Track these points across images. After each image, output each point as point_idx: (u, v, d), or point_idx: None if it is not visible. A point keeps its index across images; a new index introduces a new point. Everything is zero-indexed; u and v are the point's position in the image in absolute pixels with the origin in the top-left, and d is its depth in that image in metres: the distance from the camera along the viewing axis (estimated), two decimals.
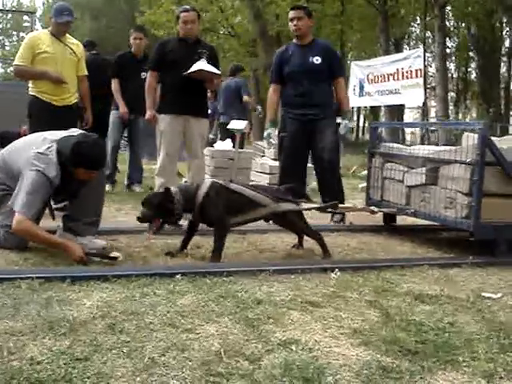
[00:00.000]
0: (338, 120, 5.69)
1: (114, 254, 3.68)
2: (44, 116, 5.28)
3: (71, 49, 5.59)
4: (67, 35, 5.66)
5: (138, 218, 3.80)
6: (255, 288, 3.13)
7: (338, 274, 3.49)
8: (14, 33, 53.93)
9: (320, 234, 4.21)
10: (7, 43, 55.37)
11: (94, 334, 2.38)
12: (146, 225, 4.11)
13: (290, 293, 3.09)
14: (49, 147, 3.72)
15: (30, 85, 5.54)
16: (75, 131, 3.99)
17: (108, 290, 2.99)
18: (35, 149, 3.71)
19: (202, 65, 5.42)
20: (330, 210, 4.84)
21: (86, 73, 5.88)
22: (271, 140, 6.15)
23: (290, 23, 5.81)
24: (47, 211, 3.96)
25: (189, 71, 5.38)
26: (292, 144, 5.81)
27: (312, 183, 7.68)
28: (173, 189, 3.77)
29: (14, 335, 2.32)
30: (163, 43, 5.91)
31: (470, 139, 4.44)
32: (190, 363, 2.14)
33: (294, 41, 5.87)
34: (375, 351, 2.35)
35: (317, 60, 5.63)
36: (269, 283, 3.26)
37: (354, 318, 2.77)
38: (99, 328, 2.45)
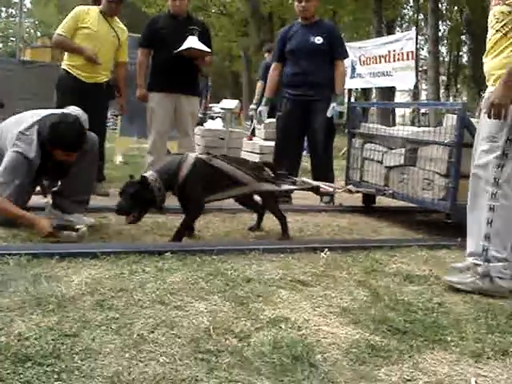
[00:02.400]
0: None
1: (79, 226, 3.61)
2: (70, 91, 5.20)
3: (115, 32, 5.50)
4: (116, 18, 5.59)
5: (116, 211, 3.63)
6: (245, 267, 3.13)
7: (328, 253, 3.48)
8: (3, 9, 53.26)
9: (284, 215, 4.15)
10: None
11: (83, 310, 2.37)
12: None
13: (279, 272, 3.09)
14: (30, 126, 3.69)
15: (65, 57, 5.47)
16: (62, 110, 3.94)
17: (97, 266, 2.98)
18: (20, 128, 3.68)
19: (192, 42, 5.37)
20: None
21: (127, 59, 5.81)
22: (261, 118, 6.13)
23: (296, 3, 5.73)
24: (38, 188, 3.93)
25: (179, 49, 5.32)
26: (287, 124, 5.81)
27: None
28: (150, 176, 3.60)
29: (1, 311, 2.30)
30: (154, 20, 5.85)
31: (450, 120, 4.42)
32: (179, 340, 2.14)
33: (299, 20, 5.81)
34: (364, 330, 2.36)
35: (318, 40, 5.58)
36: (258, 262, 3.26)
37: (343, 297, 2.77)
38: (88, 304, 2.43)
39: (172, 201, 3.83)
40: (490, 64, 3.08)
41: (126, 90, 5.94)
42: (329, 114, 5.58)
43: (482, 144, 3.07)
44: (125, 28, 5.72)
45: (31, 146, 3.64)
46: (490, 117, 2.98)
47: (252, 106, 9.91)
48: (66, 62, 5.43)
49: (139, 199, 3.56)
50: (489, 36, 3.09)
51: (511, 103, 2.92)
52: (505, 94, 2.89)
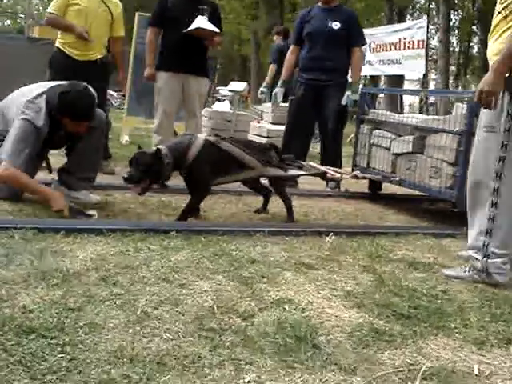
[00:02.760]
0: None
1: (91, 212, 3.61)
2: (63, 68, 5.12)
3: (107, 6, 5.38)
4: None
5: (125, 179, 3.56)
6: (250, 248, 3.13)
7: (333, 238, 3.48)
8: None
9: (291, 199, 4.14)
10: None
11: (87, 285, 2.37)
12: None
13: (284, 254, 3.09)
14: (39, 95, 3.67)
15: (58, 35, 5.42)
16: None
17: (102, 243, 2.98)
18: (28, 97, 3.66)
19: (201, 22, 5.32)
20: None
21: (122, 34, 5.70)
22: (277, 100, 6.10)
23: None
24: (44, 165, 3.93)
25: (188, 29, 5.29)
26: (298, 108, 5.82)
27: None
28: (163, 149, 3.59)
29: (6, 283, 2.31)
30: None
31: (460, 109, 4.39)
32: (183, 317, 2.14)
33: (319, 3, 5.78)
34: (368, 314, 2.36)
35: (336, 25, 5.55)
36: (263, 244, 3.25)
37: (348, 281, 2.77)
38: (92, 280, 2.44)
39: (178, 181, 3.82)
40: (491, 48, 2.98)
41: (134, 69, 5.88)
42: (343, 102, 5.56)
43: (481, 134, 3.01)
44: (118, 2, 5.59)
45: (39, 114, 3.61)
46: (481, 105, 2.91)
47: (262, 89, 9.85)
48: (59, 40, 5.36)
49: (150, 170, 3.52)
50: (493, 18, 3.03)
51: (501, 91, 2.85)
52: (495, 82, 2.80)
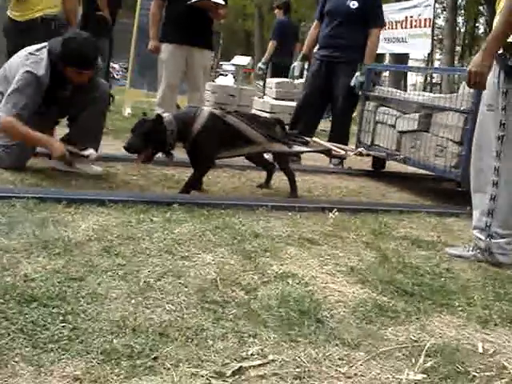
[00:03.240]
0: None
1: (86, 152, 3.61)
2: (11, 33, 4.81)
3: None
4: None
5: (125, 148, 3.52)
6: (253, 222, 3.10)
7: (336, 214, 3.45)
8: None
9: (294, 173, 4.11)
10: None
11: (89, 255, 2.35)
12: None
13: (287, 229, 3.06)
14: (40, 48, 3.61)
15: None
16: None
17: (104, 214, 2.95)
18: (28, 50, 3.61)
19: None
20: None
21: None
22: (294, 73, 6.06)
23: None
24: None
25: (193, 0, 5.22)
26: (311, 84, 5.83)
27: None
28: (167, 117, 3.54)
29: (7, 252, 2.29)
30: None
31: (467, 88, 4.34)
32: (186, 289, 2.12)
33: None
34: (371, 290, 2.34)
35: (353, 4, 5.49)
36: (266, 218, 3.23)
37: (351, 257, 2.75)
38: (94, 250, 2.42)
39: (181, 154, 3.79)
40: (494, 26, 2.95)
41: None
42: (351, 83, 5.51)
43: (483, 112, 2.98)
44: None
45: (40, 64, 3.54)
46: (469, 86, 2.89)
47: (260, 65, 9.80)
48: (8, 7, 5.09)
49: (151, 138, 3.47)
50: None
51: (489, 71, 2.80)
52: (483, 63, 2.75)
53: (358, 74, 5.49)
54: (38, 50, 3.61)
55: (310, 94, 5.79)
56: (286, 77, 7.42)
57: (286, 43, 9.51)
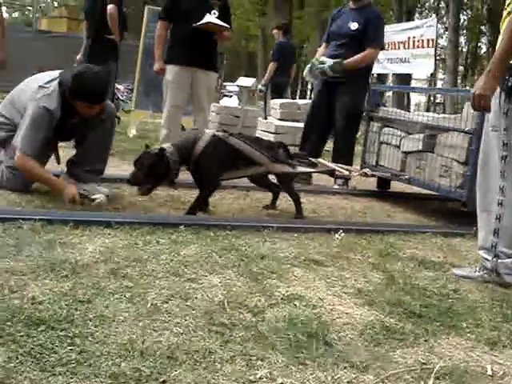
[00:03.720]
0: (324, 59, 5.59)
1: (95, 196, 3.65)
2: None
3: None
4: None
5: (129, 181, 3.58)
6: (259, 243, 3.11)
7: (342, 235, 3.45)
8: None
9: (299, 195, 4.12)
10: None
11: (97, 277, 2.35)
12: None
13: (293, 250, 3.06)
14: (51, 80, 3.64)
15: None
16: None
17: (111, 236, 2.96)
18: (39, 82, 3.64)
19: (211, 17, 5.32)
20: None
21: None
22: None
23: None
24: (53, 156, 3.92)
25: (198, 23, 5.27)
26: (315, 103, 5.89)
27: None
28: (168, 148, 3.56)
29: (15, 274, 2.29)
30: None
31: (471, 108, 4.36)
32: (193, 312, 2.12)
33: (350, 3, 5.79)
34: (379, 312, 2.34)
35: (353, 26, 5.54)
36: (272, 240, 3.23)
37: (358, 278, 2.75)
38: (101, 272, 2.42)
39: (186, 175, 3.81)
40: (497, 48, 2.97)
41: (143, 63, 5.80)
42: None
43: (488, 133, 2.99)
44: None
45: (52, 98, 3.58)
46: (474, 108, 2.91)
47: (260, 87, 9.88)
48: None
49: (154, 171, 3.51)
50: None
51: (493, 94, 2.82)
52: (485, 85, 2.78)
53: (330, 61, 5.50)
54: (48, 82, 3.65)
55: (314, 114, 5.83)
56: (283, 97, 7.48)
57: (285, 64, 9.63)
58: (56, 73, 3.75)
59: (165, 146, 3.60)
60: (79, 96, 3.57)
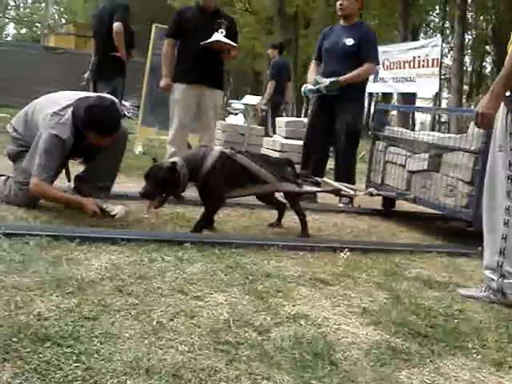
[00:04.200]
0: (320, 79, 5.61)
1: (115, 211, 3.74)
2: None
3: None
4: None
5: (141, 194, 3.55)
6: (264, 261, 3.11)
7: (347, 254, 3.46)
8: None
9: (305, 213, 4.12)
10: (21, 4, 55.02)
11: (102, 294, 2.36)
12: None
13: (298, 269, 3.06)
14: (65, 107, 3.69)
15: None
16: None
17: (116, 252, 2.97)
18: (54, 108, 3.68)
19: (219, 36, 5.37)
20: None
21: None
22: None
23: (337, 2, 5.74)
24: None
25: (206, 42, 5.32)
26: (313, 123, 5.86)
27: None
28: (179, 161, 3.58)
29: (21, 290, 2.30)
30: (182, 11, 5.84)
31: (477, 128, 4.36)
32: (199, 330, 2.12)
33: (341, 21, 5.83)
34: (384, 332, 2.33)
35: (349, 42, 5.55)
36: (278, 258, 3.23)
37: (363, 298, 2.74)
38: (107, 289, 2.42)
39: (192, 191, 3.82)
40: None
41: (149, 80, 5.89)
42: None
43: (494, 153, 3.00)
44: None
45: (65, 127, 3.63)
46: (477, 126, 2.94)
47: (262, 107, 9.93)
48: None
49: (165, 184, 3.51)
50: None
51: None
52: (489, 104, 2.81)
53: (327, 81, 5.52)
54: (62, 109, 3.69)
55: (313, 133, 5.82)
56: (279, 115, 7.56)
57: (282, 82, 9.72)
58: (71, 97, 3.79)
59: (175, 159, 3.62)
60: (92, 128, 3.63)
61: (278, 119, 9.31)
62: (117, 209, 3.78)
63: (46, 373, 1.69)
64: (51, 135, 3.59)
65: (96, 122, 3.61)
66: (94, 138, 3.68)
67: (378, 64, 6.05)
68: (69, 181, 3.99)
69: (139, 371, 1.76)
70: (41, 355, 1.78)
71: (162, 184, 3.50)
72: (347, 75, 5.52)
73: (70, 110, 3.68)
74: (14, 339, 1.86)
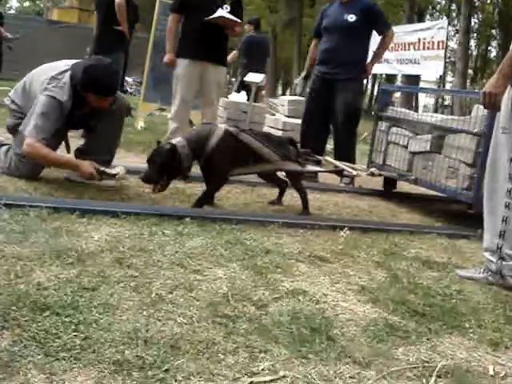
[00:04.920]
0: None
1: (114, 171, 3.72)
2: None
3: None
4: None
5: (143, 179, 3.57)
6: (264, 238, 3.11)
7: (347, 232, 3.46)
8: None
9: (306, 191, 4.12)
10: None
11: (102, 266, 2.36)
12: None
13: (298, 246, 3.07)
14: (63, 71, 3.66)
15: None
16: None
17: (117, 225, 2.97)
18: (52, 73, 3.66)
19: (223, 12, 5.33)
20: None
21: None
22: (297, 91, 6.15)
23: None
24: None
25: (210, 17, 5.27)
26: (312, 102, 5.83)
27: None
28: (179, 143, 3.54)
29: (21, 260, 2.30)
30: None
31: (480, 111, 4.34)
32: (198, 303, 2.13)
33: None
34: (382, 309, 2.34)
35: (351, 18, 5.50)
36: (277, 235, 3.23)
37: (362, 276, 2.75)
38: (107, 261, 2.43)
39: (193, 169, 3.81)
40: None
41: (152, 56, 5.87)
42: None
43: (497, 135, 2.99)
44: None
45: (63, 89, 3.60)
46: (483, 106, 2.93)
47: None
48: None
49: (166, 168, 3.51)
50: None
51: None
52: (497, 84, 2.80)
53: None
54: (60, 73, 3.66)
55: (312, 113, 5.81)
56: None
57: (251, 58, 9.57)
58: (67, 63, 3.76)
59: (176, 140, 3.59)
60: (90, 88, 3.60)
61: (281, 97, 9.27)
62: (117, 169, 3.75)
63: (44, 341, 1.70)
64: (48, 97, 3.56)
65: (94, 81, 3.58)
66: (93, 100, 3.64)
67: (391, 28, 5.98)
68: (68, 153, 3.97)
69: (137, 342, 1.77)
70: (39, 324, 1.79)
71: (163, 168, 3.50)
72: (376, 56, 5.66)
73: (67, 74, 3.65)
74: (13, 308, 1.86)
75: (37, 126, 3.54)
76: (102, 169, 3.67)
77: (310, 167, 4.18)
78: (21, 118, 3.77)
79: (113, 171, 3.72)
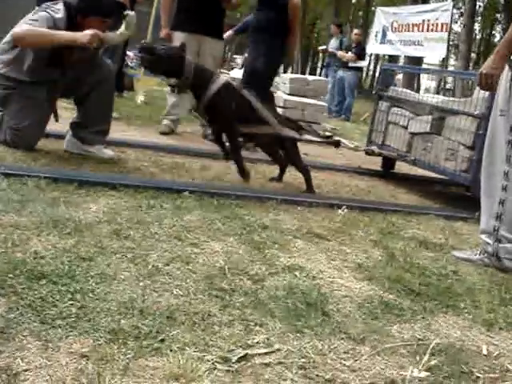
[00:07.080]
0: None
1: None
2: None
3: None
4: None
5: (142, 63, 3.65)
6: (262, 214, 3.11)
7: (345, 211, 3.46)
8: None
9: (308, 169, 4.12)
10: None
11: (99, 237, 2.36)
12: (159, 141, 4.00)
13: (296, 223, 3.07)
14: (55, 3, 3.59)
15: None
16: None
17: (115, 197, 2.96)
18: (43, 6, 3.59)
19: None
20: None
21: None
22: None
23: None
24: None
25: None
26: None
27: (325, 125, 7.66)
28: (189, 57, 3.61)
29: (18, 229, 2.30)
30: None
31: (481, 93, 4.32)
32: (194, 275, 2.13)
33: None
34: (378, 287, 2.35)
35: None
36: (275, 211, 3.23)
37: (359, 254, 2.76)
38: (104, 232, 2.43)
39: (189, 142, 3.80)
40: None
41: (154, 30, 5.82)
42: None
43: (496, 117, 2.97)
44: None
45: (58, 13, 3.51)
46: (480, 87, 2.91)
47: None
48: None
49: (169, 65, 3.56)
50: None
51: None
52: (494, 65, 2.79)
53: None
54: (52, 4, 3.57)
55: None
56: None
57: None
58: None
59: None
60: (91, 10, 3.54)
61: (282, 75, 9.21)
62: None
63: (40, 309, 1.70)
64: (42, 11, 3.48)
65: (94, 2, 3.54)
66: (94, 23, 3.53)
67: None
68: (56, 121, 3.87)
69: (133, 312, 1.77)
70: (36, 292, 1.79)
71: (166, 63, 3.55)
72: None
73: (61, 3, 3.56)
74: (9, 275, 1.86)
75: (26, 23, 3.46)
76: (103, 36, 3.56)
77: (307, 136, 4.17)
78: (9, 87, 3.63)
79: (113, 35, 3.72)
